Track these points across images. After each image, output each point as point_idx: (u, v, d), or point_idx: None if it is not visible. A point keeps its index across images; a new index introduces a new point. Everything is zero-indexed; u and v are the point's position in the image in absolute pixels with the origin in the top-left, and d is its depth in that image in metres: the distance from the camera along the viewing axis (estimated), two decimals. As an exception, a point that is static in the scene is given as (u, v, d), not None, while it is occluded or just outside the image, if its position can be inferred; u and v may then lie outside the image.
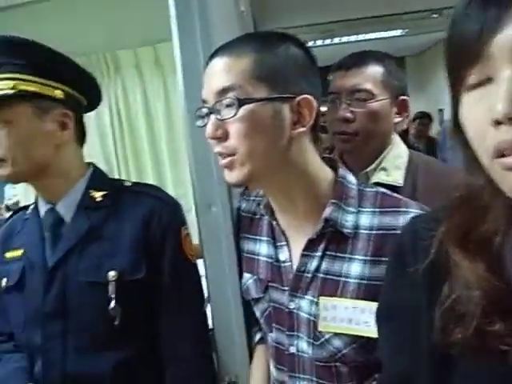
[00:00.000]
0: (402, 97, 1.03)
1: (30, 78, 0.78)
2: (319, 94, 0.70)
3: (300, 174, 0.70)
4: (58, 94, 0.82)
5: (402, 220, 0.67)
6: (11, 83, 0.75)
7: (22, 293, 0.82)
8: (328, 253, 0.70)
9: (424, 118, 4.43)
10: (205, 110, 0.68)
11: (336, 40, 4.83)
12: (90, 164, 0.91)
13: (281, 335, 0.76)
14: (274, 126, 0.65)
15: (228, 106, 0.63)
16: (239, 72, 0.63)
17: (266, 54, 0.65)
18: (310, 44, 4.87)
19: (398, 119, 1.04)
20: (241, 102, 0.62)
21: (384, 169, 1.02)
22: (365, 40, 4.97)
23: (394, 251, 0.56)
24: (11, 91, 0.75)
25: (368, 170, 1.03)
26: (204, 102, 0.68)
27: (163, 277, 0.82)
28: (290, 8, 3.43)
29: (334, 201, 0.69)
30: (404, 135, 2.71)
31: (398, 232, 0.64)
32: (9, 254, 0.86)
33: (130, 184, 0.91)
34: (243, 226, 0.84)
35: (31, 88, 0.77)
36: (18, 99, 0.76)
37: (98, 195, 0.84)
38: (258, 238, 0.80)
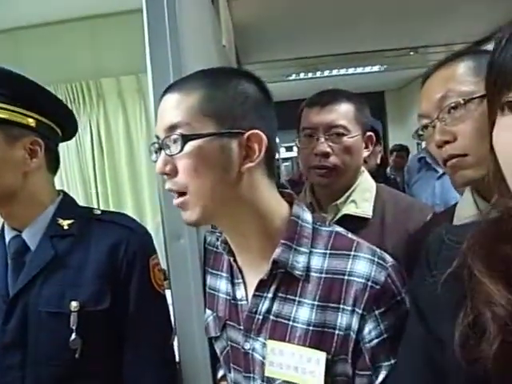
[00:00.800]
0: (369, 133, 1.09)
1: (1, 105, 0.77)
2: (273, 128, 0.70)
3: (252, 211, 0.68)
4: (30, 121, 0.81)
5: (350, 265, 0.65)
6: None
7: None
8: (279, 294, 0.68)
9: (401, 150, 4.55)
10: (156, 146, 0.68)
11: (318, 74, 4.99)
12: (60, 191, 0.90)
13: (238, 376, 0.73)
14: (222, 161, 0.64)
15: (175, 141, 0.63)
16: (187, 108, 0.63)
17: (214, 90, 0.65)
18: (293, 77, 5.03)
19: (365, 153, 1.10)
20: (185, 138, 0.62)
21: (353, 201, 1.05)
22: (347, 74, 5.15)
23: (421, 257, 0.55)
24: None
25: (338, 202, 1.06)
26: (157, 137, 0.67)
27: (129, 308, 0.81)
28: (273, 42, 3.55)
29: (284, 241, 0.68)
30: (382, 167, 2.78)
31: (346, 278, 0.64)
32: None
33: (99, 212, 0.90)
34: (208, 259, 0.83)
35: (1, 115, 0.77)
36: None
37: (65, 223, 0.83)
38: (219, 273, 0.79)
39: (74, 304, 0.76)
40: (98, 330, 0.78)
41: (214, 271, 0.80)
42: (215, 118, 0.63)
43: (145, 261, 0.84)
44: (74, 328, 0.75)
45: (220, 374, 0.86)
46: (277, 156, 0.75)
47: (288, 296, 0.67)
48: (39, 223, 0.82)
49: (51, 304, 0.76)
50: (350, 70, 5.02)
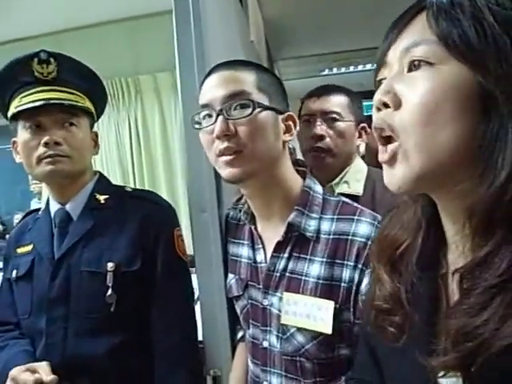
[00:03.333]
0: (362, 124, 1.22)
1: (87, 98, 0.95)
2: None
3: (280, 178, 0.79)
4: (95, 116, 1.01)
5: (354, 227, 0.75)
6: (81, 99, 0.93)
7: (31, 282, 0.92)
8: (294, 254, 0.78)
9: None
10: (206, 112, 0.76)
11: (352, 68, 4.97)
12: (96, 172, 1.04)
13: (256, 331, 0.83)
14: (275, 130, 0.76)
15: (242, 107, 0.73)
16: (247, 81, 0.74)
17: (262, 72, 0.78)
18: (326, 72, 5.02)
19: (358, 142, 1.22)
20: (254, 105, 0.72)
21: (346, 182, 1.18)
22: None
23: None
24: (83, 105, 0.93)
25: (333, 183, 1.19)
26: (205, 106, 0.76)
27: (156, 271, 0.92)
28: (305, 37, 3.58)
29: (297, 207, 0.78)
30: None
31: (350, 237, 0.74)
32: (20, 250, 0.98)
33: (131, 190, 1.03)
34: (230, 231, 0.93)
35: (89, 106, 0.96)
36: (83, 111, 0.93)
37: (101, 198, 0.96)
38: (240, 242, 0.89)
39: (110, 264, 0.88)
40: (130, 287, 0.89)
41: (236, 240, 0.91)
42: (267, 95, 0.75)
43: (170, 231, 0.95)
44: (110, 285, 0.87)
45: (239, 335, 0.96)
46: None
47: (301, 255, 0.77)
48: (80, 198, 0.95)
49: (91, 265, 0.89)
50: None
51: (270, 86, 0.77)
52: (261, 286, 0.81)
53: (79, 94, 0.92)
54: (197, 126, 0.78)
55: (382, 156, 0.46)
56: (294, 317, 0.75)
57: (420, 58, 0.43)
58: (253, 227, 0.85)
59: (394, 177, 0.45)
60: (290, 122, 0.79)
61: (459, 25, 0.41)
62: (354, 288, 0.73)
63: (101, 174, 1.03)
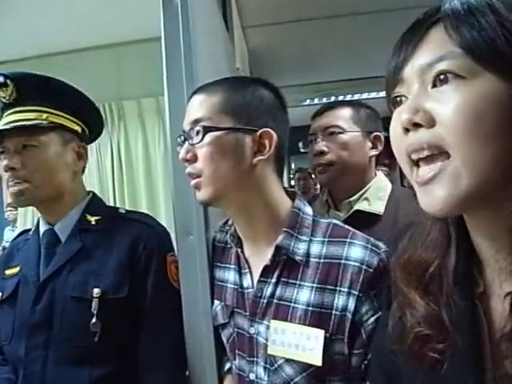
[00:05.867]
0: (376, 133, 1.16)
1: (58, 112, 0.91)
2: (284, 130, 0.80)
3: (260, 200, 0.77)
4: (78, 128, 0.96)
5: (347, 250, 0.72)
6: (44, 115, 0.89)
7: (14, 307, 0.88)
8: (282, 279, 0.75)
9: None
10: (182, 138, 0.79)
11: (333, 98, 5.10)
12: (89, 192, 1.01)
13: (242, 362, 0.79)
14: (236, 152, 0.74)
15: (197, 133, 0.74)
16: (210, 106, 0.75)
17: (233, 92, 0.76)
18: (308, 102, 5.13)
19: (373, 152, 1.16)
20: (206, 130, 0.73)
21: (367, 199, 1.13)
22: (361, 99, 5.21)
23: None
24: (45, 122, 0.89)
25: (351, 199, 1.14)
26: (183, 132, 0.79)
27: (145, 299, 0.88)
28: (287, 67, 3.68)
29: (286, 229, 0.76)
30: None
31: (342, 261, 0.72)
32: (8, 271, 0.94)
33: (124, 211, 1.00)
34: (216, 255, 0.91)
35: (59, 121, 0.91)
36: (48, 129, 0.90)
37: (93, 219, 0.93)
38: (227, 266, 0.87)
39: (96, 291, 0.84)
40: (116, 316, 0.86)
41: (223, 264, 0.88)
42: (233, 116, 0.74)
43: (162, 256, 0.92)
44: (94, 312, 0.83)
45: (226, 366, 0.91)
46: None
47: (290, 280, 0.74)
48: (70, 218, 0.93)
49: (76, 290, 0.85)
50: (365, 95, 5.10)
51: (238, 106, 0.75)
52: (247, 314, 0.78)
53: (45, 109, 0.90)
54: (178, 149, 0.80)
55: (423, 176, 0.43)
56: (282, 347, 0.72)
57: (447, 71, 0.40)
58: (239, 250, 0.83)
59: (436, 197, 0.41)
60: (266, 141, 0.76)
61: (485, 33, 0.38)
62: (350, 316, 0.69)
63: (94, 194, 1.01)
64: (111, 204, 2.57)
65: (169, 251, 0.94)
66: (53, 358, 0.83)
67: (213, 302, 0.88)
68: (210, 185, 0.74)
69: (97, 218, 0.94)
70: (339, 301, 0.70)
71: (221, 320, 0.85)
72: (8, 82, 0.88)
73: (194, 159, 0.76)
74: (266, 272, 0.77)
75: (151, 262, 0.90)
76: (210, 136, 0.73)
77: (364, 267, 0.70)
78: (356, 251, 0.72)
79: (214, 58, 1.28)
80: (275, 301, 0.75)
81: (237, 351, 0.81)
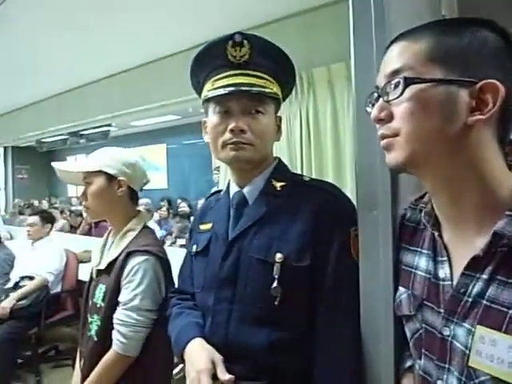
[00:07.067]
0: None
1: (275, 81, 0.93)
2: None
3: (471, 171, 0.60)
4: (281, 100, 0.98)
5: None
6: (269, 84, 0.91)
7: (206, 259, 0.96)
8: (498, 277, 0.57)
9: None
10: (374, 96, 0.67)
11: None
12: (276, 158, 1.01)
13: (429, 364, 0.66)
14: (446, 109, 0.58)
15: (395, 86, 0.61)
16: (413, 54, 0.60)
17: (444, 37, 0.60)
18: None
19: None
20: (408, 82, 0.59)
21: None
22: None
23: None
24: (271, 91, 0.91)
25: None
26: (376, 87, 0.67)
27: (327, 268, 0.84)
28: (499, 10, 2.98)
29: (509, 213, 0.56)
30: None
31: None
32: (202, 226, 1.03)
33: (309, 179, 0.97)
34: (404, 235, 0.77)
35: (277, 91, 0.94)
36: (269, 98, 0.92)
37: (278, 185, 0.93)
38: (418, 250, 0.72)
39: (278, 255, 0.84)
40: (297, 284, 0.84)
41: (412, 247, 0.74)
42: (444, 64, 0.59)
43: (347, 228, 0.85)
44: (276, 277, 0.83)
45: (407, 364, 0.78)
46: None
47: (510, 280, 0.56)
48: (258, 182, 0.95)
49: (260, 252, 0.86)
50: None
51: (451, 52, 0.58)
52: (441, 310, 0.63)
53: (269, 78, 0.90)
54: (368, 109, 0.68)
55: None
56: (490, 361, 0.55)
57: None
58: (436, 233, 0.67)
59: None
60: (488, 96, 0.57)
61: None
62: None
63: (280, 161, 1.01)
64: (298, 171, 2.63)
65: (353, 225, 0.85)
66: (236, 314, 0.87)
67: (396, 289, 0.76)
68: (407, 146, 0.61)
69: (282, 184, 0.93)
70: None
71: (406, 311, 0.72)
72: (245, 42, 0.89)
73: (390, 118, 0.62)
74: (475, 264, 0.59)
75: (334, 233, 0.85)
76: (411, 89, 0.59)
77: None
78: None
79: (412, 7, 1.08)
80: (484, 302, 0.58)
81: (423, 351, 0.68)
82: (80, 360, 1.33)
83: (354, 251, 0.84)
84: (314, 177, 2.55)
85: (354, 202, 0.87)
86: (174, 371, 1.66)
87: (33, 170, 9.94)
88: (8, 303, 2.81)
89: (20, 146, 8.86)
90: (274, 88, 0.92)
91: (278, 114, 0.99)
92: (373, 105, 0.67)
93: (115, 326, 1.20)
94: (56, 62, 3.98)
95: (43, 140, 6.84)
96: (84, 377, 1.24)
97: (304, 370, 0.84)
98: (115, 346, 1.18)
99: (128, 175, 1.30)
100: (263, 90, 0.88)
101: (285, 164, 1.02)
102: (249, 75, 0.88)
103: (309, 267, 0.83)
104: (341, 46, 2.35)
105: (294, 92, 2.65)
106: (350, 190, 2.43)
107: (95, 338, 1.23)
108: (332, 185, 0.97)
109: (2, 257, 3.29)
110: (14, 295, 2.87)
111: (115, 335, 1.19)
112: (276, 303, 0.83)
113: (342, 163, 2.50)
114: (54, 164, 1.30)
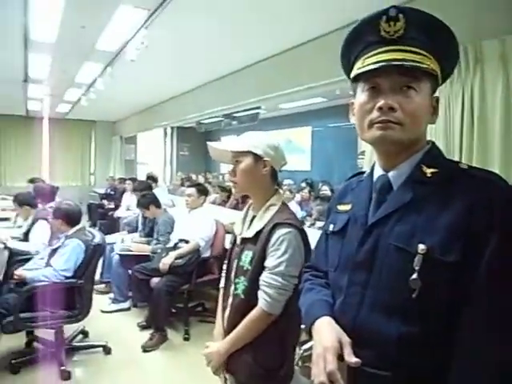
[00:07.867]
0: None
1: (432, 57, 0.84)
2: None
3: None
4: (440, 78, 0.88)
5: None
6: (426, 60, 0.82)
7: (342, 240, 0.95)
8: None
9: None
10: None
11: None
12: (429, 141, 0.92)
13: None
14: None
15: None
16: None
17: None
18: None
19: None
20: None
21: None
22: None
23: None
24: (427, 66, 0.82)
25: None
26: None
27: (479, 269, 0.73)
28: None
29: None
30: None
31: None
32: (340, 207, 1.02)
33: (466, 167, 0.85)
34: None
35: (435, 67, 0.84)
36: (424, 74, 0.83)
37: (428, 171, 0.85)
38: None
39: (421, 246, 0.78)
40: (439, 280, 0.77)
41: None
42: None
43: (510, 224, 0.74)
44: (416, 269, 0.77)
45: None
46: None
47: None
48: (405, 167, 0.88)
49: (400, 240, 0.81)
50: None
51: None
52: None
53: (425, 53, 0.82)
54: None
55: None
56: None
57: None
58: None
59: None
60: None
61: None
62: None
63: (433, 145, 0.91)
64: (456, 155, 2.35)
65: None
66: (369, 300, 0.84)
67: None
68: None
69: (433, 170, 0.84)
70: None
71: None
72: (400, 16, 0.82)
73: None
74: None
75: (494, 228, 0.73)
76: None
77: None
78: None
79: None
80: None
81: None
82: (223, 315, 1.50)
83: None
84: (474, 160, 2.27)
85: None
86: (303, 347, 1.72)
87: (193, 147, 11.31)
88: (168, 260, 3.34)
89: (183, 127, 10.13)
90: (432, 64, 0.82)
91: (436, 95, 0.88)
92: None
93: (262, 287, 1.35)
94: (213, 52, 4.38)
95: (202, 121, 7.65)
96: (227, 330, 1.42)
97: (431, 370, 0.77)
98: (261, 304, 1.34)
99: (272, 156, 1.45)
100: (417, 64, 0.80)
101: (439, 149, 0.91)
102: (402, 51, 0.81)
103: (456, 263, 0.75)
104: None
105: (456, 70, 2.36)
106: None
107: (242, 296, 1.40)
108: (496, 174, 0.83)
109: (166, 219, 3.98)
110: (172, 254, 3.39)
111: (262, 295, 1.34)
112: (413, 296, 0.77)
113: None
114: (208, 143, 1.50)
